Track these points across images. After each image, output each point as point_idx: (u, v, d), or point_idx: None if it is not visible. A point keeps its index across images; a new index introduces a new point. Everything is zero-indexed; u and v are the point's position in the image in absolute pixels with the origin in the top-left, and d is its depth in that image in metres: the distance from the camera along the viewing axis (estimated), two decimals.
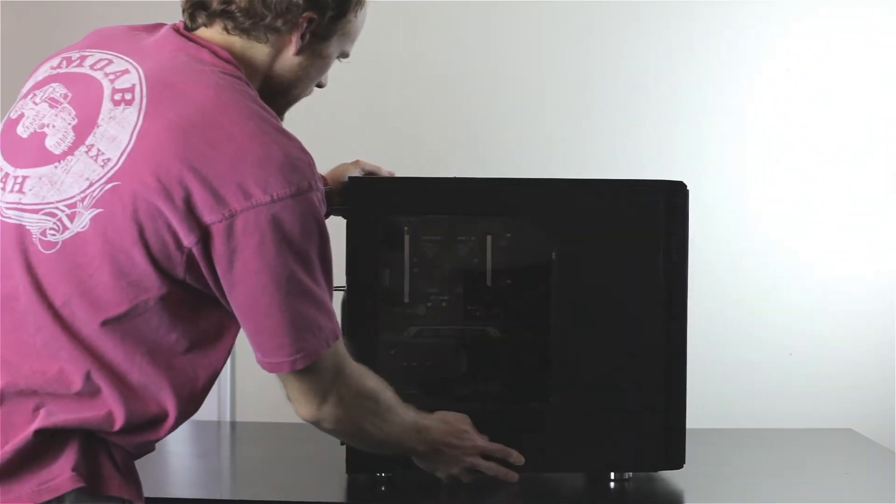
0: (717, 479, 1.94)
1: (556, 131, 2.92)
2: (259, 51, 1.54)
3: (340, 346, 1.53)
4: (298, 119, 3.04)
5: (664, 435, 1.81)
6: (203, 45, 1.51)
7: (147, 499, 1.77)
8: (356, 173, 1.93)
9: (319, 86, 1.66)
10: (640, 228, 1.81)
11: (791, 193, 2.89)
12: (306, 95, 1.64)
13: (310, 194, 1.42)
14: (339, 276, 1.84)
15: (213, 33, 1.53)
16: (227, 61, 1.50)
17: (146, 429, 1.45)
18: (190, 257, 1.40)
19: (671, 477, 1.87)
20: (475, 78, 2.94)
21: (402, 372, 1.86)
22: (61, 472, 1.38)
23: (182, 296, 1.43)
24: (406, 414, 1.67)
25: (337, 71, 2.94)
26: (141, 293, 1.40)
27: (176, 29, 1.55)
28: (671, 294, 1.81)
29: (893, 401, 2.81)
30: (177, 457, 2.12)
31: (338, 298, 1.88)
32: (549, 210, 1.82)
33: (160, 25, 1.57)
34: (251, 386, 2.71)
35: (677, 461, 1.83)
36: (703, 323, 2.72)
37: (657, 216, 1.80)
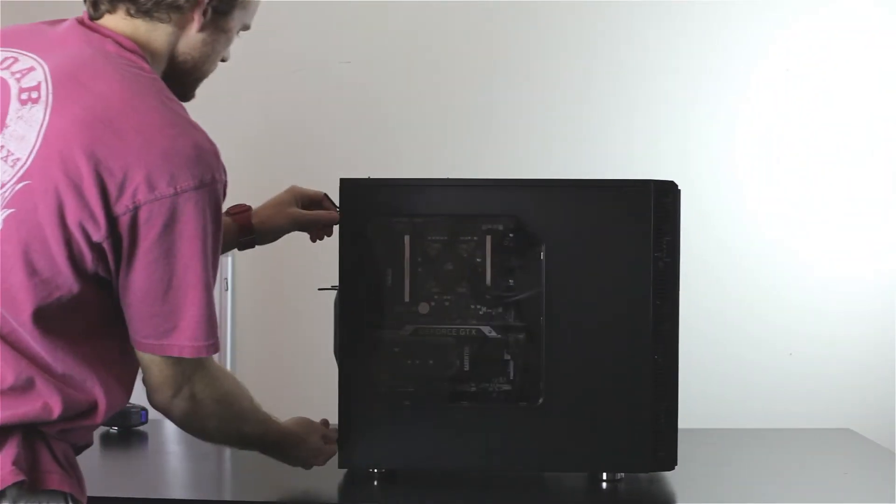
0: (713, 480, 1.94)
1: (554, 132, 2.92)
2: (163, 32, 1.55)
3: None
4: (297, 119, 3.04)
5: (655, 436, 1.81)
6: (107, 36, 1.52)
7: (147, 500, 1.79)
8: (293, 205, 1.91)
9: (223, 60, 1.66)
10: (631, 229, 1.81)
11: (791, 193, 2.90)
12: (212, 71, 1.64)
13: (213, 186, 1.45)
14: (333, 275, 1.85)
15: (116, 21, 1.54)
16: (132, 51, 1.51)
17: (85, 416, 1.46)
18: (100, 251, 1.42)
19: (666, 477, 1.87)
20: (471, 79, 2.94)
21: (397, 370, 1.87)
22: (2, 467, 1.39)
23: (95, 287, 1.45)
24: (255, 427, 1.70)
25: (336, 72, 2.95)
26: (54, 290, 1.42)
27: (80, 21, 1.55)
28: (663, 295, 1.81)
29: (893, 401, 2.82)
30: (176, 458, 2.12)
31: (330, 297, 1.89)
32: (539, 211, 1.82)
33: (64, 20, 1.57)
34: (250, 388, 2.70)
35: (669, 462, 1.83)
36: (702, 323, 2.72)
37: (647, 216, 1.80)
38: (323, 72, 2.95)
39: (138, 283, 1.45)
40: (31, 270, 1.41)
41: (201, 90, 1.63)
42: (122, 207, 1.41)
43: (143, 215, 1.41)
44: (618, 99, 2.92)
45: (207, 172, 1.44)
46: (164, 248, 1.43)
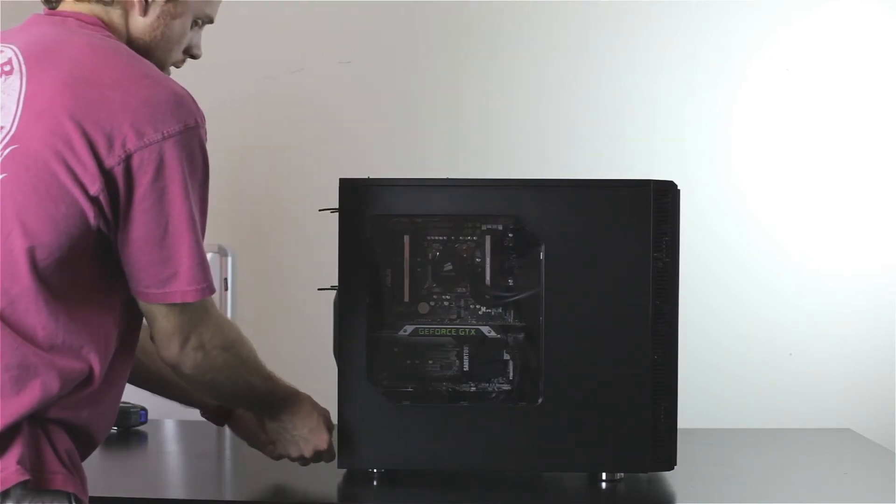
0: (713, 479, 1.94)
1: (554, 132, 2.92)
2: (115, 16, 1.59)
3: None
4: (297, 119, 3.04)
5: (655, 436, 1.82)
6: (67, 16, 1.57)
7: (147, 499, 1.79)
8: None
9: (193, 56, 1.69)
10: (631, 229, 1.81)
11: (791, 193, 2.90)
12: (175, 63, 1.67)
13: (197, 130, 1.49)
14: (333, 275, 1.85)
15: (72, 4, 1.58)
16: (93, 24, 1.56)
17: (82, 386, 1.46)
18: (99, 206, 1.44)
19: (666, 477, 1.87)
20: (470, 79, 2.95)
21: (397, 370, 1.87)
22: (7, 466, 1.38)
23: (92, 246, 1.47)
24: (264, 383, 1.71)
25: (336, 72, 2.95)
26: (54, 251, 1.43)
27: (40, 14, 1.60)
28: (662, 295, 1.81)
29: (893, 401, 2.82)
30: (176, 457, 2.12)
31: (330, 297, 1.89)
32: (539, 211, 1.82)
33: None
34: None
35: (668, 462, 1.83)
36: (702, 323, 2.72)
37: (647, 216, 1.80)
38: (323, 72, 2.95)
39: (136, 233, 1.47)
40: (30, 234, 1.42)
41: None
42: (114, 158, 1.44)
43: (135, 163, 1.44)
44: (617, 99, 2.92)
45: (190, 117, 1.48)
46: (157, 195, 1.46)
